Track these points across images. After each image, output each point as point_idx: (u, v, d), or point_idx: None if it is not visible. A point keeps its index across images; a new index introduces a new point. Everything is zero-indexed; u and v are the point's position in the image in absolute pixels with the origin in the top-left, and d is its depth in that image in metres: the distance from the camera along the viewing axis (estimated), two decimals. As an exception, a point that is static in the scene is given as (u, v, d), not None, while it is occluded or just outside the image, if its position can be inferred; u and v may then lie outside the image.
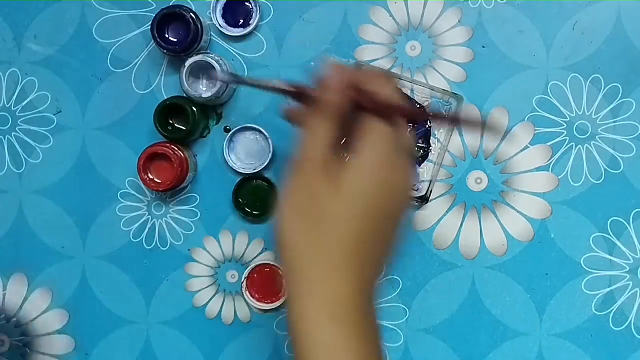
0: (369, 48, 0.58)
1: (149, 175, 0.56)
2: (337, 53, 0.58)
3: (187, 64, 0.55)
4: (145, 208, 0.59)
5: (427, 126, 0.57)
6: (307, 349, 0.37)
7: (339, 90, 0.40)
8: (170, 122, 0.57)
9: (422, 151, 0.57)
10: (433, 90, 0.50)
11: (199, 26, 0.55)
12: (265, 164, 0.57)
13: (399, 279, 0.58)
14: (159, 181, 0.56)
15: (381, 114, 0.40)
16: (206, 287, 0.59)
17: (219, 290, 0.59)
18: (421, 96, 0.57)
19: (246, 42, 0.58)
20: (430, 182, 0.57)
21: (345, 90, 0.41)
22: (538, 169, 0.58)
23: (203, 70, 0.56)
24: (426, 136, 0.57)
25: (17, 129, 0.59)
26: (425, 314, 0.58)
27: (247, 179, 0.58)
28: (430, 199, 0.58)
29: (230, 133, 0.58)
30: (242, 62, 0.59)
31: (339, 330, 0.36)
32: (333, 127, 0.40)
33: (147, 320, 0.59)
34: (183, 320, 0.59)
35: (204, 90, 0.56)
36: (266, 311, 0.58)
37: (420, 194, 0.57)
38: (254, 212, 0.58)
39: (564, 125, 0.58)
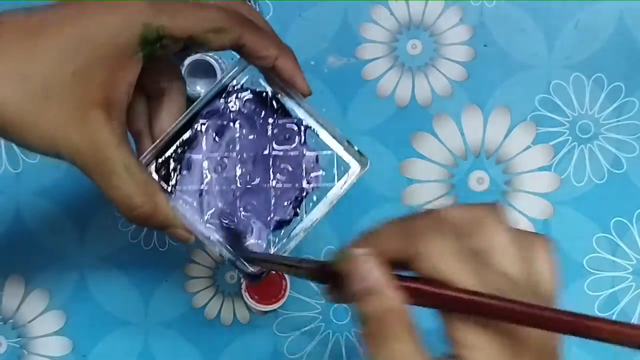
0: (370, 46, 0.58)
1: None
2: (337, 52, 0.58)
3: (186, 62, 0.55)
4: (144, 208, 0.59)
5: (305, 191, 0.40)
6: None
7: (387, 289, 0.27)
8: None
9: (288, 214, 0.40)
10: (339, 142, 0.38)
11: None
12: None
13: (399, 279, 0.58)
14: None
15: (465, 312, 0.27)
16: (205, 288, 0.59)
17: (218, 291, 0.59)
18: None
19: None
20: (271, 258, 0.38)
21: (394, 281, 0.28)
22: (540, 169, 0.57)
23: (202, 69, 0.56)
24: (300, 199, 0.40)
25: (14, 128, 0.59)
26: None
27: (246, 178, 0.57)
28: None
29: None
30: (241, 60, 0.58)
31: None
32: (411, 340, 0.28)
33: (145, 322, 0.59)
34: (182, 321, 0.59)
35: (201, 90, 0.56)
36: (265, 312, 0.58)
37: (254, 272, 0.38)
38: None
39: (566, 125, 0.57)
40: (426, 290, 0.27)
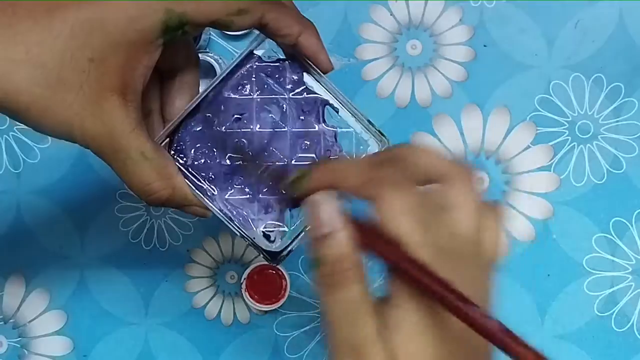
0: (369, 47, 0.58)
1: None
2: (337, 52, 0.58)
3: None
4: (144, 208, 0.59)
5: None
6: None
7: (343, 236, 0.29)
8: None
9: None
10: (359, 120, 0.38)
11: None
12: (265, 163, 0.56)
13: (399, 279, 0.58)
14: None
15: (413, 279, 0.28)
16: (205, 288, 0.59)
17: (218, 291, 0.59)
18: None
19: (245, 41, 0.58)
20: (296, 237, 0.39)
21: (353, 233, 0.29)
22: (540, 169, 0.57)
23: (202, 70, 0.56)
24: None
25: (14, 128, 0.59)
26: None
27: (246, 179, 0.57)
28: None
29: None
30: (242, 61, 0.58)
31: None
32: (360, 287, 0.29)
33: (145, 321, 0.59)
34: (182, 321, 0.59)
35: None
36: (266, 312, 0.58)
37: (273, 249, 0.39)
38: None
39: (565, 125, 0.57)
40: (376, 247, 0.28)
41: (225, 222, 0.38)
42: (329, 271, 0.29)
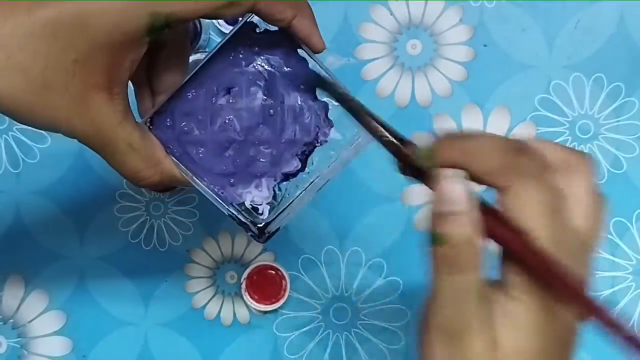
0: (369, 47, 0.58)
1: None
2: (337, 52, 0.58)
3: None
4: (144, 208, 0.59)
5: (316, 143, 0.39)
6: None
7: (471, 218, 0.28)
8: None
9: (295, 166, 0.39)
10: (383, 130, 0.36)
11: (198, 24, 0.55)
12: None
13: (399, 280, 0.58)
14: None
15: (535, 270, 0.28)
16: (205, 288, 0.58)
17: (217, 291, 0.58)
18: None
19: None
20: (283, 210, 0.39)
21: (480, 219, 0.28)
22: (540, 169, 0.57)
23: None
24: (307, 152, 0.39)
25: (14, 128, 0.59)
26: (426, 315, 0.57)
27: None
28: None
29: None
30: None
31: None
32: (478, 273, 0.28)
33: (145, 322, 0.59)
34: (182, 321, 0.58)
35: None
36: (265, 312, 0.58)
37: (262, 220, 0.39)
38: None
39: (566, 125, 0.57)
40: (503, 235, 0.28)
41: (211, 199, 0.38)
42: (453, 252, 0.28)
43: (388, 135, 0.33)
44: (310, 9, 0.37)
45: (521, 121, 0.57)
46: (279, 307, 0.57)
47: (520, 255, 0.28)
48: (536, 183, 0.28)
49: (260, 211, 0.39)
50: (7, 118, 0.59)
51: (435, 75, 0.58)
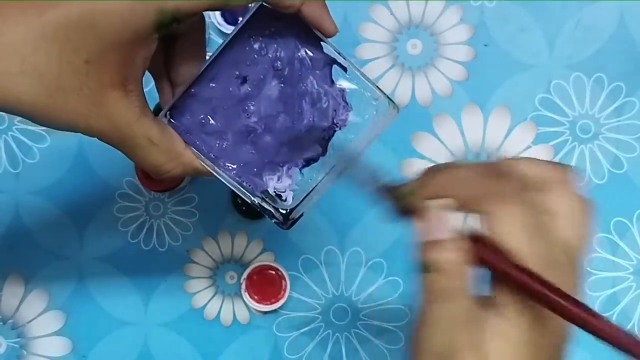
0: (370, 46, 0.58)
1: (148, 174, 0.55)
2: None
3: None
4: (143, 208, 0.58)
5: (335, 128, 0.39)
6: None
7: (455, 247, 0.29)
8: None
9: (316, 151, 0.39)
10: (367, 82, 0.37)
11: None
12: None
13: (399, 280, 0.58)
14: (157, 181, 0.55)
15: (519, 288, 0.29)
16: (205, 288, 0.58)
17: (217, 291, 0.58)
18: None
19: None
20: (307, 196, 0.39)
21: (465, 245, 0.30)
22: (540, 169, 0.57)
23: None
24: (327, 137, 0.39)
25: (13, 128, 0.59)
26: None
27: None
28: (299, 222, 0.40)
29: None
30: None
31: None
32: (466, 298, 0.29)
33: (145, 322, 0.59)
34: (181, 321, 0.58)
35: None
36: (265, 313, 0.58)
37: (287, 206, 0.39)
38: (253, 213, 0.57)
39: (566, 125, 0.57)
40: (488, 258, 0.29)
41: (235, 189, 0.39)
42: (442, 279, 0.29)
43: (377, 183, 0.34)
44: None
45: (521, 121, 0.57)
46: (279, 307, 0.57)
47: (509, 277, 0.29)
48: (516, 205, 0.29)
49: (283, 198, 0.39)
50: (6, 118, 0.59)
51: (435, 75, 0.58)
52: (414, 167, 0.57)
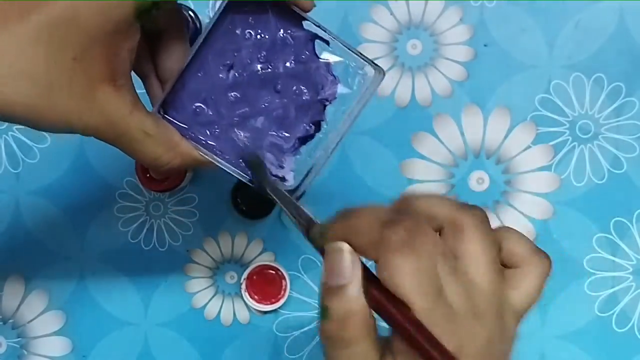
0: (370, 46, 0.58)
1: (148, 174, 0.55)
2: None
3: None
4: (143, 208, 0.58)
5: (325, 102, 0.39)
6: None
7: (355, 292, 0.28)
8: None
9: (309, 129, 0.39)
10: (351, 52, 0.37)
11: (198, 25, 0.55)
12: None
13: (399, 280, 0.58)
14: (158, 181, 0.55)
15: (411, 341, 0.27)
16: (205, 288, 0.58)
17: (217, 291, 0.58)
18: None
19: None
20: (307, 173, 0.39)
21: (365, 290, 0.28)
22: (540, 169, 0.57)
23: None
24: (319, 112, 0.39)
25: (13, 128, 0.59)
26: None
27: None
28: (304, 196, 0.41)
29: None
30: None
31: None
32: (369, 345, 0.29)
33: (145, 322, 0.59)
34: (181, 321, 0.58)
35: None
36: (265, 312, 0.58)
37: (289, 187, 0.40)
38: (253, 213, 0.57)
39: (566, 125, 0.57)
40: (384, 307, 0.28)
41: (236, 175, 0.39)
42: (336, 327, 0.28)
43: (296, 218, 0.33)
44: None
45: (521, 121, 0.57)
46: (279, 307, 0.57)
47: (398, 329, 0.27)
48: (410, 253, 0.27)
49: (285, 178, 0.39)
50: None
51: (435, 75, 0.58)
52: (414, 167, 0.58)
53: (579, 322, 0.57)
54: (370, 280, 0.28)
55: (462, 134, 0.58)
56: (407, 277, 0.27)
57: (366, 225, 0.29)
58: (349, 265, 0.28)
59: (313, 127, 0.39)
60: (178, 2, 0.38)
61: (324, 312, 0.29)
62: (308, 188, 0.39)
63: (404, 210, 0.30)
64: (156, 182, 0.55)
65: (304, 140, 0.39)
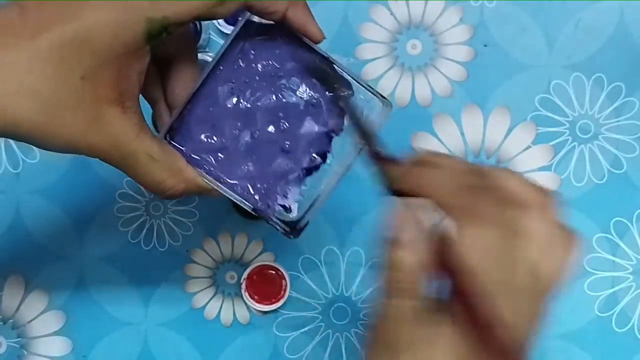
0: (370, 47, 0.58)
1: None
2: (337, 51, 0.57)
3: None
4: (144, 208, 0.58)
5: (332, 134, 0.40)
6: None
7: (415, 251, 0.30)
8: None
9: (313, 158, 0.40)
10: (359, 84, 0.38)
11: (197, 24, 0.55)
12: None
13: (399, 280, 0.58)
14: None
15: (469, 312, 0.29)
16: (205, 288, 0.58)
17: (217, 291, 0.58)
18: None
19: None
20: (312, 204, 0.39)
21: (427, 251, 0.30)
22: (540, 169, 0.57)
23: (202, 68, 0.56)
24: (325, 143, 0.40)
25: (13, 128, 0.59)
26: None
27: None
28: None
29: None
30: (241, 60, 0.58)
31: None
32: (414, 305, 0.31)
33: (145, 322, 0.59)
34: (181, 321, 0.58)
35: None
36: (265, 312, 0.58)
37: (292, 218, 0.40)
38: (253, 213, 0.57)
39: (566, 125, 0.57)
40: (451, 269, 0.30)
41: (241, 204, 0.39)
42: (398, 278, 0.30)
43: (377, 150, 0.35)
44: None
45: (521, 121, 0.57)
46: (279, 307, 0.57)
47: (461, 292, 0.29)
48: (487, 223, 0.29)
49: (289, 209, 0.40)
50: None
51: (435, 75, 0.58)
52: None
53: (579, 321, 0.57)
54: (439, 241, 0.30)
55: (462, 134, 0.58)
56: (483, 248, 0.29)
57: (449, 185, 0.31)
58: (423, 221, 0.30)
59: (319, 158, 0.39)
60: (204, 51, 0.38)
61: (388, 263, 0.31)
62: (312, 218, 0.39)
63: (482, 175, 0.31)
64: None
65: (310, 170, 0.39)
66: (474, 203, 0.30)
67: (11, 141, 0.59)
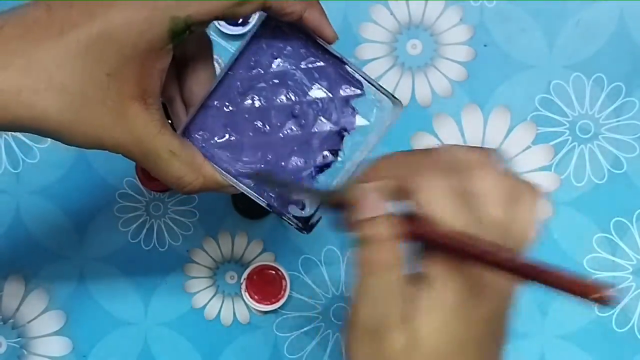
0: (370, 46, 0.58)
1: (148, 174, 0.55)
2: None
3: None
4: (144, 208, 0.58)
5: (344, 132, 0.40)
6: None
7: (386, 223, 0.31)
8: (170, 121, 0.56)
9: (328, 158, 0.40)
10: (371, 84, 0.39)
11: None
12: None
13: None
14: (158, 181, 0.55)
15: (450, 252, 0.30)
16: (205, 288, 0.58)
17: (217, 291, 0.58)
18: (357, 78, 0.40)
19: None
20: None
21: (394, 223, 0.31)
22: (540, 169, 0.57)
23: None
24: (337, 141, 0.41)
25: (14, 128, 0.59)
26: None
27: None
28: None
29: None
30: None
31: None
32: (397, 272, 0.31)
33: (145, 322, 0.59)
34: (181, 321, 0.58)
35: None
36: (265, 312, 0.58)
37: (305, 214, 0.41)
38: (253, 213, 0.57)
39: (566, 125, 0.57)
40: (419, 230, 0.30)
41: (256, 199, 0.40)
42: (372, 253, 0.31)
43: (320, 193, 0.37)
44: (319, 1, 0.38)
45: (521, 121, 0.57)
46: (279, 307, 0.57)
47: (441, 243, 0.30)
48: (442, 179, 0.30)
49: (302, 206, 0.41)
50: (7, 118, 0.59)
51: (435, 75, 0.58)
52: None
53: (579, 321, 0.57)
54: (401, 216, 0.31)
55: (462, 134, 0.58)
56: (444, 198, 0.30)
57: (397, 161, 0.32)
58: (381, 198, 0.31)
59: (331, 155, 0.40)
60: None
61: (360, 242, 0.31)
62: (324, 215, 0.40)
63: (428, 153, 0.32)
64: (156, 182, 0.55)
65: (322, 168, 0.41)
66: (421, 166, 0.31)
67: (11, 141, 0.59)
